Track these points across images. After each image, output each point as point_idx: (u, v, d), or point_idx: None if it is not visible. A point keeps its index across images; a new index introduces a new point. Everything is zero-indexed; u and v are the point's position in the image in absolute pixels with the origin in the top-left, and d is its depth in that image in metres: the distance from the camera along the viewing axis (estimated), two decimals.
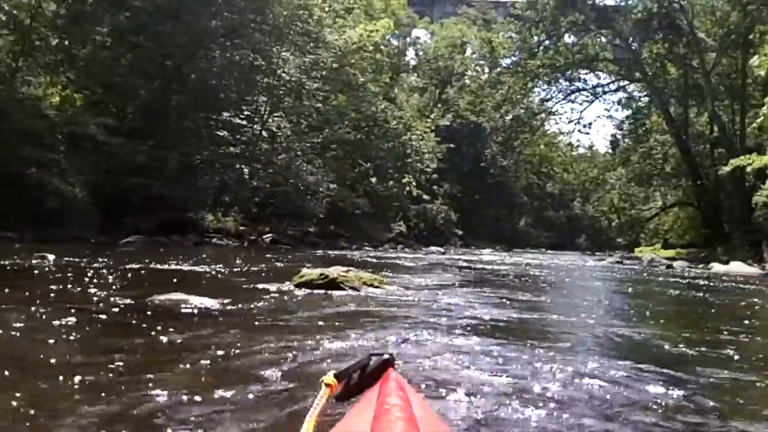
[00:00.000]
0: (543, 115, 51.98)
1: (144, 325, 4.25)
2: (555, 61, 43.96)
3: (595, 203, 63.99)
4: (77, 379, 2.86)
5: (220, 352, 3.53)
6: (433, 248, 26.93)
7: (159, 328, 4.11)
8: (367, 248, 25.79)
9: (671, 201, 52.37)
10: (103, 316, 4.57)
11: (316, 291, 7.01)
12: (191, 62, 23.05)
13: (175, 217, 21.10)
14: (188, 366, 3.23)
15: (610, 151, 59.51)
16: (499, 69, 49.14)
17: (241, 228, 24.49)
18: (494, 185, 57.67)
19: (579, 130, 52.70)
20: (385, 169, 34.17)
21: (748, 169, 24.57)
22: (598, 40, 46.20)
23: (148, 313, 4.81)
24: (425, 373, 3.29)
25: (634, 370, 3.51)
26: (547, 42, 44.62)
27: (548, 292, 9.29)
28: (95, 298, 5.43)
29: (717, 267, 18.71)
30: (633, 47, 43.83)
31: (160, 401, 2.64)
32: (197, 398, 2.68)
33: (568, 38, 44.95)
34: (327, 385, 1.40)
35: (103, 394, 2.68)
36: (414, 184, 34.86)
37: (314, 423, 1.27)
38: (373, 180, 34.15)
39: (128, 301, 5.27)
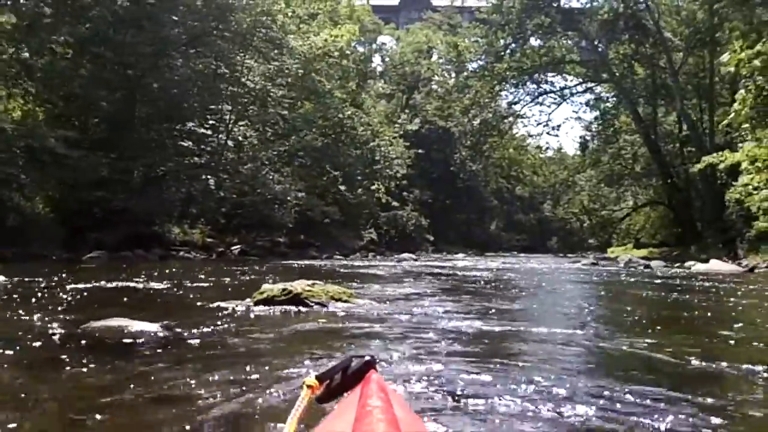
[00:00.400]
0: (511, 118, 51.85)
1: (67, 360, 3.66)
2: (522, 64, 43.83)
3: (566, 205, 64.10)
4: None
5: (150, 392, 2.98)
6: (405, 255, 26.37)
7: (85, 361, 3.54)
8: (338, 257, 25.24)
9: (643, 201, 52.54)
10: (22, 349, 3.98)
11: (277, 308, 6.34)
12: (154, 72, 22.34)
13: (141, 230, 20.43)
14: (107, 414, 2.67)
15: (579, 152, 59.56)
16: (465, 73, 48.95)
17: (209, 240, 23.84)
18: (464, 190, 57.51)
19: (548, 133, 52.62)
20: (354, 176, 33.68)
21: (721, 166, 24.43)
22: (565, 42, 46.19)
23: (81, 342, 4.22)
24: None
25: (632, 391, 3.04)
26: (513, 45, 44.45)
27: (528, 300, 8.77)
28: (26, 327, 4.82)
29: (697, 266, 18.43)
30: (600, 48, 43.86)
31: None
32: None
33: (535, 41, 44.82)
34: (308, 386, 1.41)
35: None
36: (383, 190, 34.39)
37: (296, 424, 1.28)
38: (343, 187, 33.62)
39: (60, 329, 4.65)
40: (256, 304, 6.54)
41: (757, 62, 20.60)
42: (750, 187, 24.30)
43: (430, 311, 6.52)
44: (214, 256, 21.48)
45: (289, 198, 24.78)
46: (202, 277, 10.96)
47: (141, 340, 4.38)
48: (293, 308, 6.33)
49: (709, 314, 7.12)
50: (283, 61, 25.05)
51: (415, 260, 23.87)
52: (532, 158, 71.34)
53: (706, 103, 40.34)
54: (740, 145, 28.05)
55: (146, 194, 21.63)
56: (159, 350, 4.09)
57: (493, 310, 6.64)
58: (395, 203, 38.71)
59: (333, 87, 30.77)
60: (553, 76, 48.98)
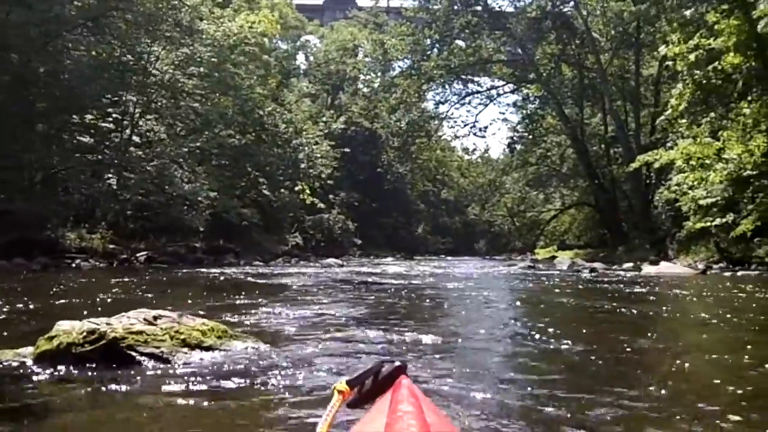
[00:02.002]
0: (438, 119, 50.91)
1: None
2: (449, 63, 42.70)
3: (492, 208, 63.70)
4: None
5: None
6: (330, 260, 24.57)
7: None
8: (258, 263, 23.32)
9: (570, 202, 52.32)
10: None
11: (76, 369, 3.57)
12: (42, 55, 19.80)
13: (30, 236, 18.04)
14: None
15: (506, 154, 59.13)
16: (392, 72, 47.70)
17: (111, 246, 21.50)
18: (391, 193, 56.29)
19: (475, 134, 51.69)
20: (277, 177, 31.78)
21: (656, 164, 23.70)
22: (492, 41, 45.43)
23: None
24: None
25: None
26: (440, 44, 43.35)
27: (479, 319, 7.11)
28: None
29: (647, 268, 17.42)
30: (527, 48, 43.20)
31: None
32: None
33: (462, 40, 43.74)
34: (339, 392, 1.41)
35: None
36: (308, 191, 32.56)
37: (327, 430, 1.29)
38: (264, 189, 31.69)
39: None
40: (39, 359, 3.69)
41: (692, 57, 19.86)
42: (685, 186, 23.67)
43: (346, 350, 4.47)
44: (116, 264, 19.24)
45: (200, 198, 22.53)
46: (59, 292, 8.88)
47: None
48: (108, 368, 3.58)
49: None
50: (195, 48, 22.93)
51: (341, 266, 22.06)
52: (459, 160, 70.94)
53: (632, 105, 40.16)
54: (668, 144, 27.58)
55: (36, 195, 19.25)
56: None
57: (435, 346, 4.71)
58: (321, 205, 36.91)
59: (253, 83, 28.90)
60: (481, 77, 48.18)
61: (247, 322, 5.68)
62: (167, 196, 22.15)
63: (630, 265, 23.72)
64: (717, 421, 2.77)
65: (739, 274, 15.48)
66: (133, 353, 3.71)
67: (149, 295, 8.37)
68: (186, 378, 3.44)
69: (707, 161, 21.63)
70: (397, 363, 1.47)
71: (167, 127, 23.66)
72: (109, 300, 7.78)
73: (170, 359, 3.76)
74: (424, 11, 43.38)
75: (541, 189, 56.19)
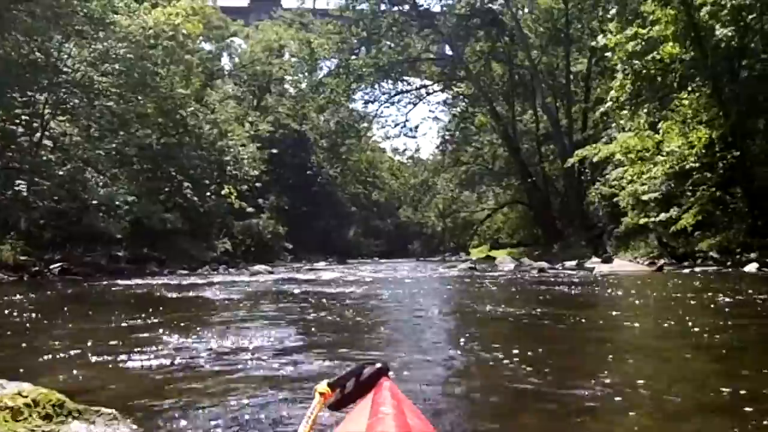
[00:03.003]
0: (368, 119, 50.09)
1: None
2: (378, 61, 41.79)
3: (424, 209, 63.23)
4: None
5: None
6: (260, 267, 23.02)
7: None
8: (183, 272, 21.83)
9: (503, 201, 52.17)
10: None
11: None
12: None
13: None
14: None
15: (438, 153, 58.66)
16: (319, 72, 46.53)
17: (23, 258, 19.68)
18: (322, 195, 55.05)
19: (405, 134, 51.14)
20: (202, 181, 30.18)
21: (595, 159, 23.27)
22: (421, 39, 44.87)
23: None
24: None
25: None
26: (368, 42, 42.44)
27: (443, 342, 5.99)
28: None
29: (600, 267, 16.73)
30: (456, 46, 42.74)
31: None
32: None
33: (390, 39, 42.89)
34: (321, 393, 1.43)
35: None
36: (235, 195, 31.03)
37: (309, 431, 1.29)
38: (189, 193, 30.02)
39: None
40: None
41: (630, 46, 19.42)
42: (624, 180, 23.33)
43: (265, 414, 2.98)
44: (26, 277, 17.51)
45: (117, 204, 20.77)
46: None
47: None
48: None
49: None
50: (109, 44, 21.19)
51: (271, 272, 20.61)
52: (390, 161, 70.30)
53: (563, 101, 40.13)
54: (604, 139, 27.33)
55: None
56: None
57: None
58: (250, 209, 35.38)
59: (175, 82, 27.30)
60: (410, 75, 47.53)
61: (130, 366, 4.21)
62: (81, 202, 20.36)
63: (573, 263, 23.22)
64: None
65: (696, 270, 14.92)
66: None
67: (37, 315, 7.02)
68: None
69: (647, 154, 21.30)
70: (379, 365, 1.48)
71: (81, 129, 21.80)
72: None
73: None
74: (350, 10, 42.48)
75: (474, 189, 56.04)
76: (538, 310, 7.36)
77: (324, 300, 8.99)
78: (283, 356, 4.46)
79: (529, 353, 4.38)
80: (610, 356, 4.44)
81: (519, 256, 33.92)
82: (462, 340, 5.17)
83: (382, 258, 53.63)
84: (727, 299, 7.61)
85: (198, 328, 5.80)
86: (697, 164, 19.11)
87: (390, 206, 76.32)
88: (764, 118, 19.33)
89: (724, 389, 3.15)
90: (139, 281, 14.93)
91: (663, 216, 19.94)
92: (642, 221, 21.42)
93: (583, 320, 6.46)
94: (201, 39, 40.26)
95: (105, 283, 14.55)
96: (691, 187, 20.17)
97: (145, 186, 24.99)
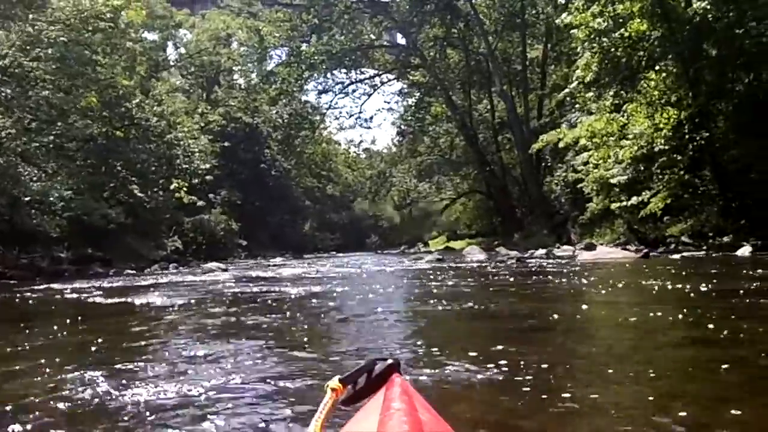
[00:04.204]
0: (321, 110, 48.98)
1: None
2: (330, 49, 40.55)
3: (381, 200, 62.45)
4: None
5: None
6: (212, 265, 21.57)
7: None
8: (131, 272, 20.38)
9: (462, 191, 51.50)
10: None
11: None
12: None
13: None
14: None
15: (395, 144, 57.88)
16: (270, 62, 45.16)
17: None
18: (276, 190, 53.64)
19: (360, 125, 50.24)
20: (150, 175, 28.67)
21: (561, 144, 22.55)
22: (374, 26, 43.88)
23: None
24: None
25: None
26: (319, 30, 41.17)
27: (438, 347, 5.03)
28: None
29: (582, 255, 15.88)
30: (410, 32, 41.82)
31: None
32: None
33: (342, 27, 41.66)
34: (332, 389, 1.40)
35: None
36: (185, 190, 29.56)
37: (320, 427, 1.27)
38: (136, 189, 28.53)
39: None
40: None
41: (595, 23, 18.65)
42: (590, 165, 22.68)
43: None
44: None
45: (51, 199, 19.13)
46: None
47: None
48: None
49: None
50: (41, 26, 19.56)
51: (225, 270, 19.17)
52: (346, 153, 69.25)
53: (519, 88, 39.58)
54: (564, 125, 26.72)
55: None
56: None
57: None
58: (201, 203, 33.91)
59: (117, 72, 25.78)
60: (364, 65, 46.48)
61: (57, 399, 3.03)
62: (12, 198, 18.75)
63: (542, 252, 22.46)
64: None
65: (686, 255, 14.17)
66: None
67: None
68: None
69: (612, 139, 20.66)
70: (390, 361, 1.47)
71: (14, 121, 20.10)
72: None
73: None
74: None
75: (431, 179, 55.34)
76: (533, 304, 6.41)
77: (285, 301, 7.84)
78: (245, 380, 3.41)
79: (534, 356, 3.44)
80: (623, 354, 3.51)
81: (479, 245, 33.27)
82: (464, 343, 4.20)
83: (339, 252, 52.49)
84: (728, 286, 6.79)
85: (135, 353, 4.64)
86: (666, 146, 18.47)
87: (345, 199, 75.54)
88: (732, 98, 18.77)
89: None
90: (79, 284, 13.53)
91: (634, 200, 19.26)
92: (613, 206, 20.75)
93: (583, 314, 5.56)
94: (144, 29, 38.60)
95: (42, 287, 13.11)
96: (659, 171, 19.57)
97: (87, 181, 23.42)
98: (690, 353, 3.66)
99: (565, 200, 31.51)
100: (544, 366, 3.43)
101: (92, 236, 24.57)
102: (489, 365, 3.45)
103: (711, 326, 4.19)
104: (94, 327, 6.10)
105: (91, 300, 9.16)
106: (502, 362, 3.51)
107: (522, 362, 3.52)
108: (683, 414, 2.50)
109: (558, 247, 24.68)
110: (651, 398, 2.77)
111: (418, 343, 4.63)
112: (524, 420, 2.66)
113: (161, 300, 8.45)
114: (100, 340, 4.94)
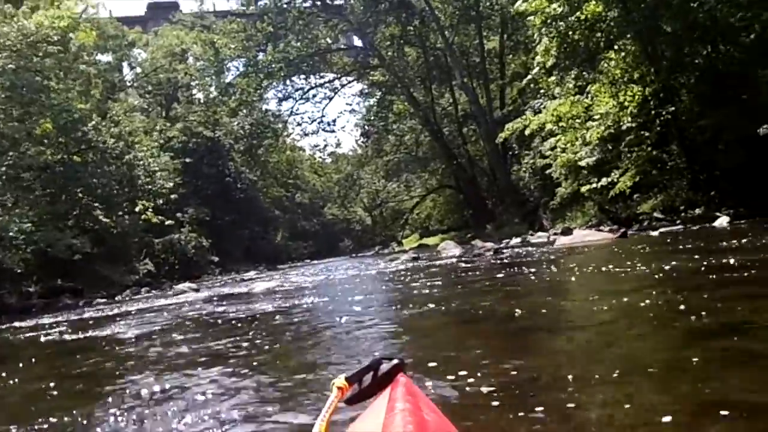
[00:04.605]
0: (284, 117, 48.53)
1: None
2: (287, 56, 40.12)
3: (351, 204, 62.12)
4: None
5: None
6: (184, 286, 20.83)
7: None
8: (102, 301, 19.77)
9: (431, 187, 51.36)
10: None
11: None
12: None
13: None
14: None
15: (360, 146, 57.55)
16: (227, 74, 44.56)
17: None
18: (244, 202, 53.09)
19: (324, 129, 49.70)
20: (113, 199, 28.02)
21: (527, 131, 22.38)
22: (329, 30, 43.58)
23: None
24: None
25: None
26: (275, 37, 40.69)
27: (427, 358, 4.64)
28: None
29: (560, 239, 15.63)
30: (366, 33, 41.56)
31: None
32: None
33: (297, 33, 41.23)
34: (338, 388, 1.43)
35: None
36: (151, 211, 28.95)
37: (326, 425, 1.27)
38: (100, 214, 27.86)
39: None
40: None
41: (551, 8, 18.51)
42: (558, 149, 22.56)
43: None
44: None
45: (11, 234, 18.44)
46: None
47: None
48: None
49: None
50: None
51: (197, 290, 18.51)
52: (311, 159, 68.81)
53: (479, 80, 39.50)
54: (527, 112, 26.59)
55: None
56: None
57: None
58: (169, 222, 33.23)
59: (74, 98, 25.17)
60: (323, 69, 46.15)
61: None
62: None
63: (518, 240, 22.30)
64: None
65: (663, 231, 13.93)
66: None
67: None
68: None
69: (578, 121, 20.55)
70: (395, 360, 1.49)
71: None
72: None
73: None
74: (253, 5, 40.85)
75: (399, 178, 55.15)
76: (517, 301, 6.11)
77: (257, 320, 7.34)
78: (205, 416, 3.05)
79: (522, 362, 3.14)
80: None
81: (456, 240, 33.06)
82: (448, 349, 3.88)
83: (313, 259, 52.07)
84: (715, 260, 6.56)
85: (96, 388, 4.22)
86: (633, 124, 18.37)
87: (315, 206, 75.28)
88: (693, 71, 18.75)
89: None
90: (46, 320, 12.96)
91: (604, 181, 19.14)
92: (583, 189, 20.61)
93: (569, 309, 5.29)
94: (97, 51, 37.86)
95: (4, 326, 12.53)
96: (627, 149, 19.49)
97: (48, 211, 22.75)
98: (685, 346, 3.38)
99: (534, 187, 31.45)
100: (542, 371, 3.13)
101: (60, 267, 23.92)
102: (479, 374, 3.15)
103: (704, 313, 3.91)
104: (49, 369, 5.66)
105: (52, 337, 8.60)
106: (493, 371, 3.21)
107: (514, 370, 3.22)
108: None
109: (532, 234, 24.53)
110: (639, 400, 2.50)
111: (400, 355, 4.31)
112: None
113: (126, 331, 7.90)
114: (52, 384, 4.52)
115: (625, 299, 4.83)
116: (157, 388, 3.89)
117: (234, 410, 3.14)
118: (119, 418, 3.29)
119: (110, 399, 3.80)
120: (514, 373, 3.15)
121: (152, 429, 3.05)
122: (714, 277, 5.44)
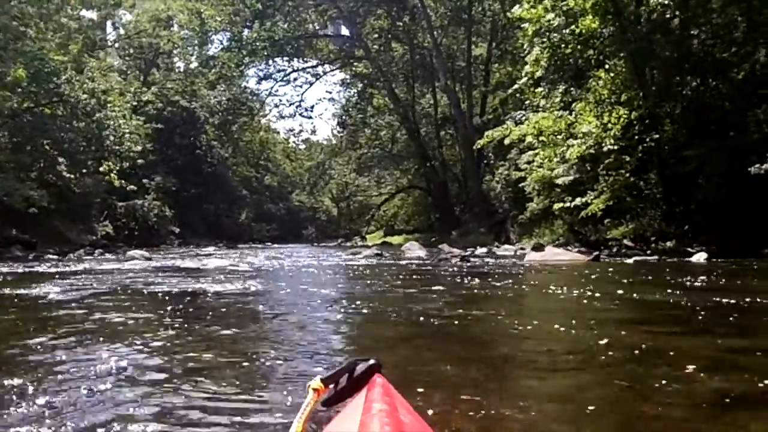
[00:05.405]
0: (262, 97, 47.98)
1: None
2: (272, 35, 39.57)
3: (319, 192, 61.73)
4: None
5: None
6: (136, 252, 20.17)
7: None
8: (51, 257, 19.16)
9: (402, 186, 51.17)
10: None
11: None
12: None
13: None
14: None
15: (335, 135, 57.17)
16: (210, 47, 43.83)
17: None
18: (212, 177, 52.47)
19: (301, 114, 49.24)
20: (78, 156, 27.35)
21: (506, 141, 22.22)
22: (318, 15, 43.12)
23: None
24: None
25: None
26: (262, 15, 40.09)
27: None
28: None
29: (530, 255, 15.39)
30: (355, 23, 41.21)
31: None
32: None
33: (286, 14, 40.72)
34: (314, 390, 1.40)
35: None
36: (116, 173, 28.30)
37: (302, 427, 1.26)
38: (64, 170, 27.20)
39: None
40: None
41: (547, 18, 18.36)
42: (534, 163, 22.47)
43: None
44: None
45: None
46: None
47: None
48: None
49: None
50: None
51: (149, 258, 17.81)
52: (285, 143, 68.28)
53: (462, 85, 39.40)
54: (508, 122, 26.47)
55: None
56: None
57: None
58: (133, 187, 32.60)
59: (51, 50, 24.51)
60: (307, 54, 45.68)
61: None
62: None
63: (484, 250, 22.17)
64: None
65: (638, 259, 13.78)
66: None
67: None
68: None
69: (560, 137, 20.42)
70: (372, 361, 1.47)
71: None
72: None
73: None
74: None
75: (371, 173, 54.87)
76: (476, 311, 5.87)
77: (207, 300, 6.80)
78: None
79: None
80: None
81: (421, 243, 32.90)
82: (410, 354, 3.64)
83: (275, 243, 51.55)
84: (694, 298, 6.40)
85: None
86: (614, 147, 18.26)
87: (283, 190, 74.78)
88: (680, 101, 18.72)
89: None
90: None
91: (578, 201, 19.03)
92: (556, 207, 20.49)
93: (540, 325, 5.08)
94: (82, 6, 36.95)
95: None
96: (605, 172, 19.37)
97: (10, 159, 22.10)
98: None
99: (505, 199, 31.38)
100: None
101: (17, 218, 23.35)
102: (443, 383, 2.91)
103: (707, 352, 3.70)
104: None
105: None
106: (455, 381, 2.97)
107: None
108: None
109: (497, 246, 24.43)
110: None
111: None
112: None
113: (55, 292, 7.38)
114: None
115: (596, 332, 4.55)
116: (55, 356, 3.51)
117: (128, 390, 2.79)
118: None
119: None
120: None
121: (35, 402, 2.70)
122: (701, 317, 5.22)
